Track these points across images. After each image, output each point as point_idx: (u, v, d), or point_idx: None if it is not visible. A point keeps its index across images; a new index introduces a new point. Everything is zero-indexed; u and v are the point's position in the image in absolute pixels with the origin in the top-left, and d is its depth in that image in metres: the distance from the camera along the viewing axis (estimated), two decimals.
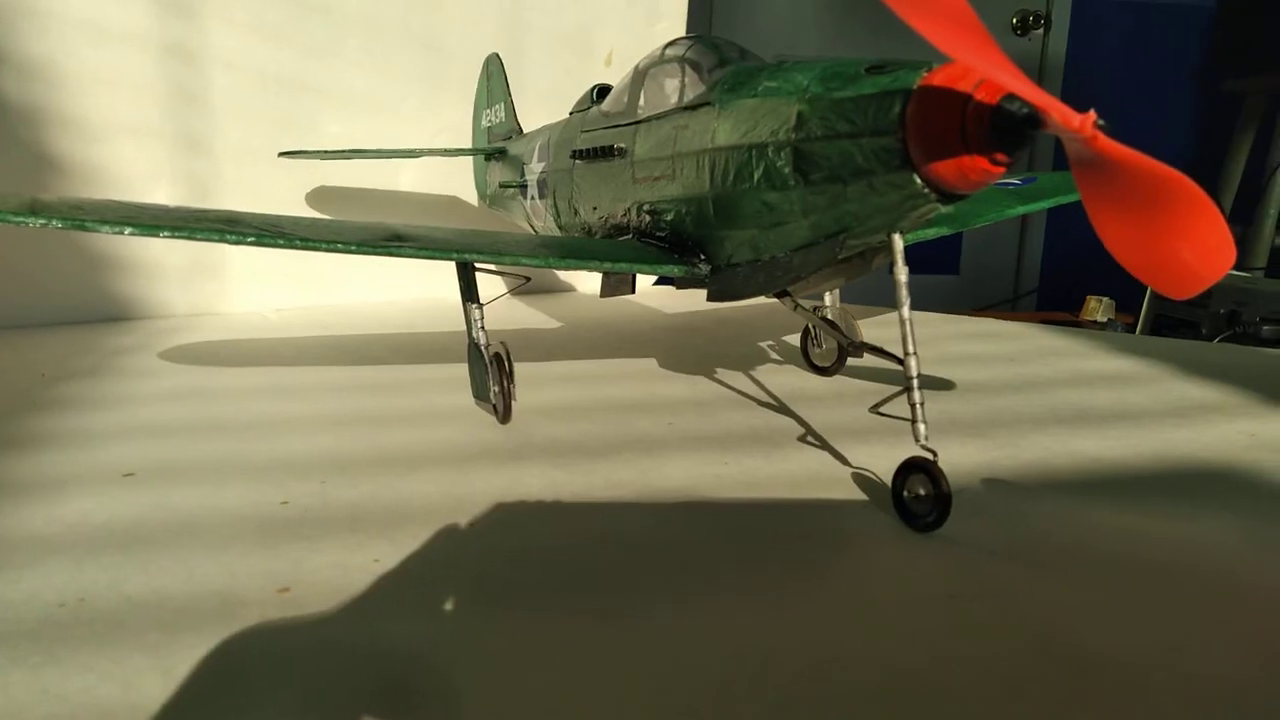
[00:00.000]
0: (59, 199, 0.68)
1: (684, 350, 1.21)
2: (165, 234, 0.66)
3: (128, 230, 0.65)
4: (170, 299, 1.42)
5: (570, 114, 1.11)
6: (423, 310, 1.53)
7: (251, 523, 0.66)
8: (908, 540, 0.63)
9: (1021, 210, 1.04)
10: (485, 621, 0.53)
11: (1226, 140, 2.62)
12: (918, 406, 0.64)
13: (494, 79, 1.48)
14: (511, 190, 1.24)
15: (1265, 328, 1.71)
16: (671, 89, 0.86)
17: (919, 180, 0.59)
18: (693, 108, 0.80)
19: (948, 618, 0.53)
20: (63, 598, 0.55)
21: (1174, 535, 0.64)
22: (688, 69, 0.84)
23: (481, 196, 1.50)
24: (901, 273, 0.66)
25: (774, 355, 1.17)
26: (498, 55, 1.48)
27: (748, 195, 0.72)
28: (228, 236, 0.67)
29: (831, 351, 1.03)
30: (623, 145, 0.91)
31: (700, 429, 0.88)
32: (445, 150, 1.48)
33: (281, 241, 0.69)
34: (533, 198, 1.18)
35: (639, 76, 0.91)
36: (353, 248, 0.71)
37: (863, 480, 0.74)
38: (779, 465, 0.78)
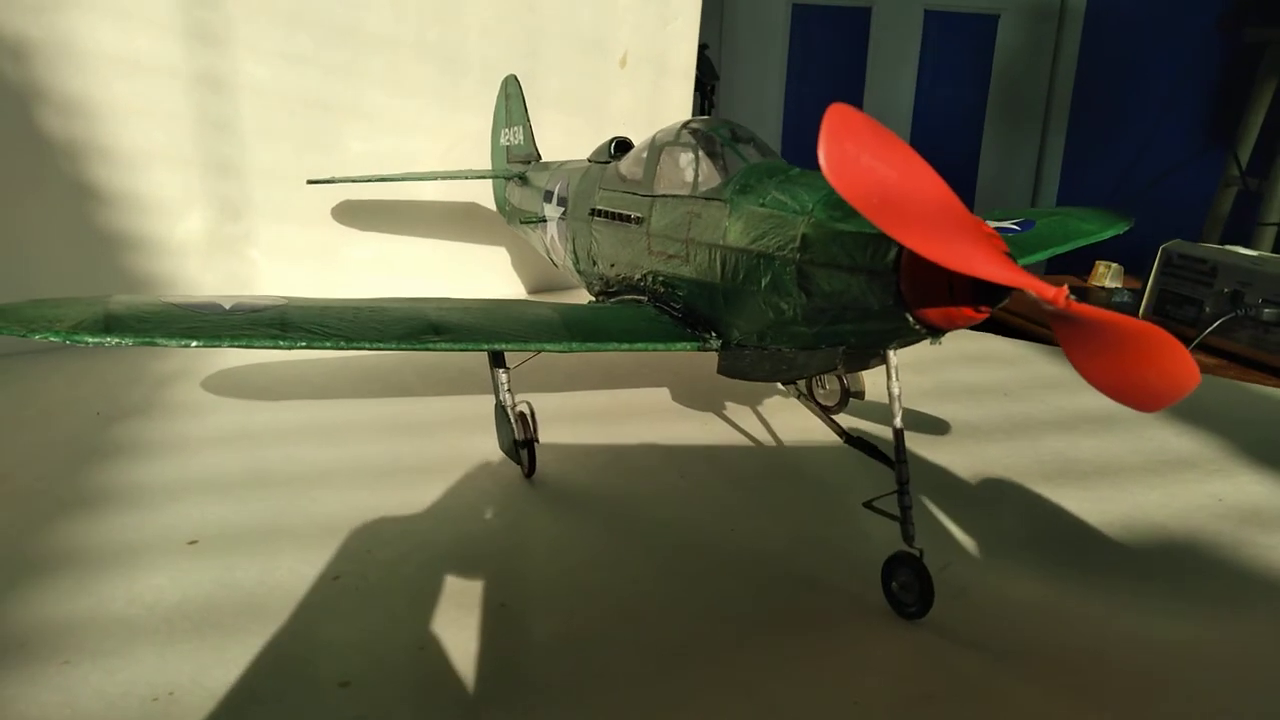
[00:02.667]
0: (129, 308, 0.75)
1: (696, 378, 1.28)
2: (227, 344, 0.73)
3: (194, 344, 0.72)
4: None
5: (589, 161, 1.16)
6: None
7: (309, 605, 0.74)
8: (894, 629, 0.71)
9: (1018, 262, 1.09)
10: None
11: (1247, 91, 2.60)
12: (908, 510, 0.71)
13: (512, 100, 1.52)
14: (531, 223, 1.29)
15: (1266, 310, 1.74)
16: (686, 173, 0.91)
17: (911, 319, 0.65)
18: (706, 198, 0.85)
19: None
20: (155, 691, 0.63)
21: (1126, 630, 0.72)
22: (702, 157, 0.89)
23: (500, 210, 1.56)
24: (895, 386, 0.72)
25: (779, 388, 1.24)
26: (515, 78, 1.52)
27: (756, 296, 0.78)
28: (280, 343, 0.74)
29: (835, 393, 1.10)
30: (639, 215, 0.96)
31: (711, 479, 0.95)
32: (466, 174, 1.52)
33: (329, 344, 0.75)
34: (552, 237, 1.24)
35: (655, 152, 0.96)
36: (393, 345, 0.77)
37: (860, 546, 0.81)
38: (783, 524, 0.86)
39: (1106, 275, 2.33)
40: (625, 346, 0.86)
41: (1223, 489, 0.93)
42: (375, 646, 0.69)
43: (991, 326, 1.38)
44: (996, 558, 0.81)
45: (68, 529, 0.85)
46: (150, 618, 0.72)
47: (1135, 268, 2.25)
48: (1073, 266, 3.03)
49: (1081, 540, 0.85)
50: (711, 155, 0.89)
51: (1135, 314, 1.84)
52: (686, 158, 0.92)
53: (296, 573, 0.78)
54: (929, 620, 0.71)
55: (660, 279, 0.93)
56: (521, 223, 1.34)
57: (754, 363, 0.83)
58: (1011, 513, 0.89)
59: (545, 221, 1.26)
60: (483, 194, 1.70)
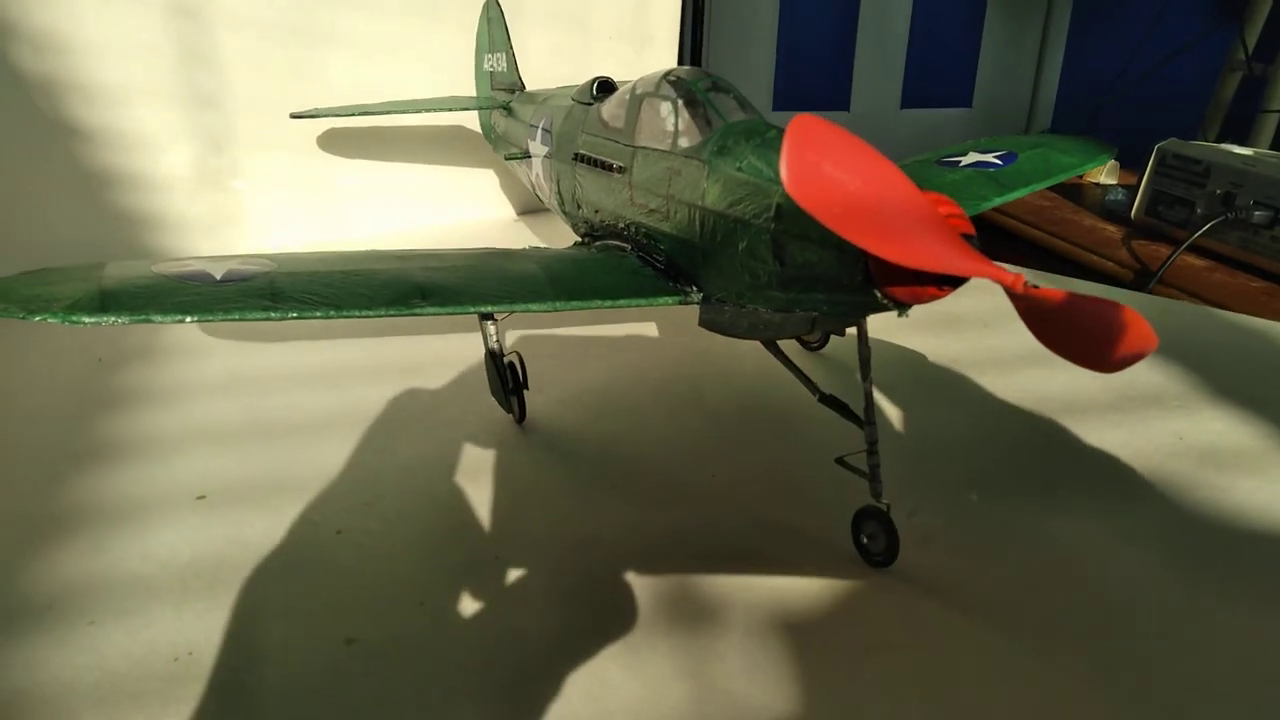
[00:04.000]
0: (122, 281, 0.76)
1: (684, 315, 1.30)
2: (220, 318, 0.75)
3: (189, 319, 0.74)
4: (198, 247, 1.50)
5: (572, 100, 1.15)
6: (429, 240, 1.62)
7: (314, 561, 0.78)
8: (861, 576, 0.76)
9: (999, 201, 1.10)
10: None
11: None
12: (876, 468, 0.75)
13: (494, 25, 1.49)
14: (517, 159, 1.29)
15: (1257, 212, 1.75)
16: (666, 126, 0.91)
17: (878, 294, 0.67)
18: (685, 156, 0.86)
19: (874, 672, 0.66)
20: (175, 651, 0.68)
21: (1082, 574, 0.76)
22: (682, 110, 0.89)
23: (486, 137, 1.55)
24: (865, 351, 0.75)
25: None
26: (496, 1, 1.49)
27: (734, 258, 0.80)
28: (272, 314, 0.76)
29: (815, 333, 1.13)
30: (621, 165, 0.97)
31: (695, 422, 0.99)
32: (450, 104, 1.51)
33: (319, 314, 0.77)
34: (537, 174, 1.24)
35: (636, 102, 0.96)
36: (381, 311, 0.80)
37: (834, 494, 0.86)
38: (761, 472, 0.90)
39: (1103, 171, 2.26)
40: (609, 304, 0.88)
41: (1184, 427, 0.97)
42: (378, 603, 0.74)
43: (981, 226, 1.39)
44: (963, 503, 0.86)
45: (80, 484, 0.89)
46: (165, 575, 0.77)
47: (1133, 160, 2.21)
48: None
49: (1047, 484, 0.89)
50: (692, 109, 0.89)
51: (1128, 213, 1.84)
52: (666, 109, 0.92)
53: (301, 528, 0.83)
54: (895, 569, 0.76)
55: (643, 231, 0.94)
56: (507, 158, 1.33)
57: (733, 319, 0.85)
58: (982, 455, 0.93)
59: (530, 158, 1.26)
60: (468, 118, 1.68)
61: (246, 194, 1.51)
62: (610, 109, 1.03)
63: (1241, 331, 1.22)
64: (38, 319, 0.70)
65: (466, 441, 0.98)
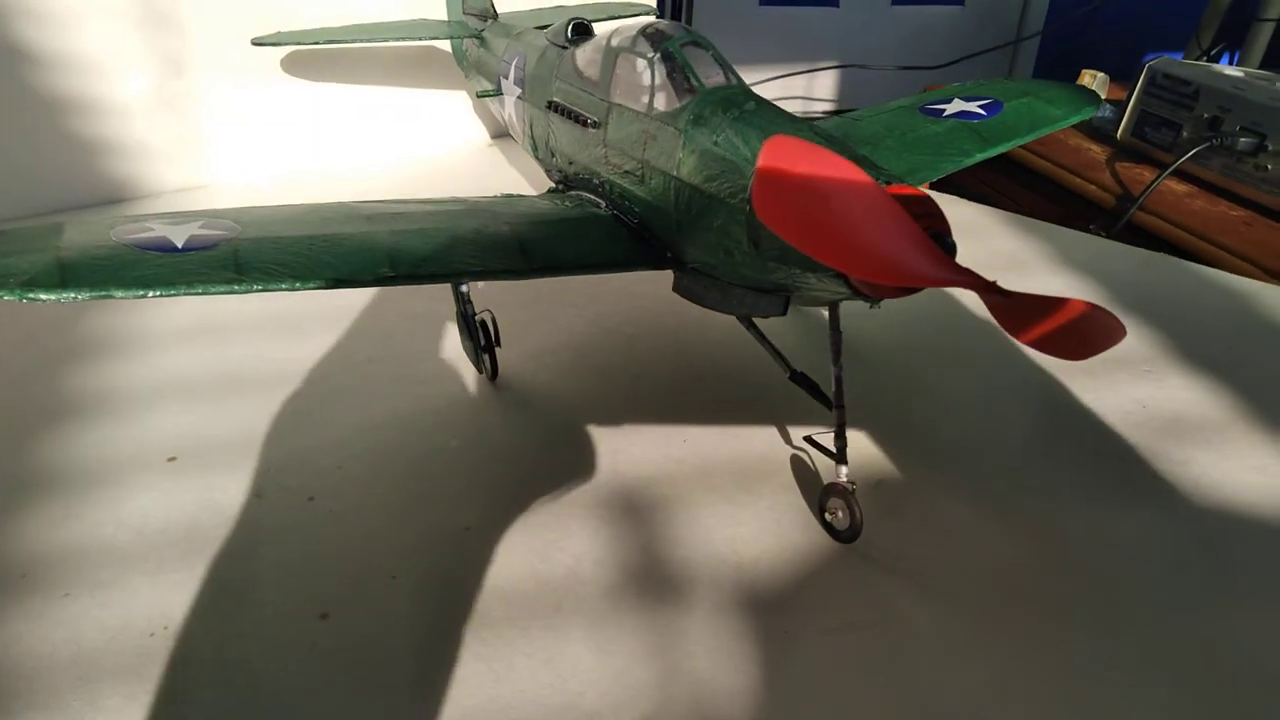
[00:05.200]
0: (81, 252, 0.74)
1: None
2: (183, 292, 0.73)
3: (151, 294, 0.72)
4: (160, 175, 1.45)
5: (547, 41, 1.11)
6: (403, 173, 1.58)
7: (287, 529, 0.79)
8: (826, 554, 0.77)
9: (981, 156, 1.08)
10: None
11: None
12: (844, 450, 0.76)
13: None
14: (489, 94, 1.25)
15: (1242, 139, 1.73)
16: (642, 83, 0.88)
17: (849, 286, 0.67)
18: (661, 121, 0.84)
19: (836, 652, 0.68)
20: (152, 625, 0.69)
21: (1040, 549, 0.79)
22: (659, 70, 0.86)
23: (458, 63, 1.50)
24: (836, 336, 0.75)
25: None
26: None
27: (709, 233, 0.79)
28: (236, 288, 0.75)
29: None
30: (595, 119, 0.94)
31: (666, 383, 1.00)
32: (420, 30, 1.44)
33: (284, 286, 0.76)
34: (510, 115, 1.20)
35: (612, 55, 0.92)
36: (347, 282, 0.78)
37: (801, 468, 0.87)
38: (731, 441, 0.91)
39: (1092, 85, 2.15)
40: (583, 271, 0.87)
41: (1150, 394, 0.99)
42: (351, 574, 0.75)
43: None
44: (928, 473, 0.87)
45: (49, 445, 0.89)
46: (139, 543, 0.77)
47: (1125, 74, 2.17)
48: (1058, 73, 2.94)
49: (1010, 454, 0.91)
50: (669, 68, 0.86)
51: (1115, 132, 1.80)
52: (642, 65, 0.89)
53: (273, 494, 0.83)
54: (858, 544, 0.78)
55: (617, 190, 0.92)
56: (480, 94, 1.29)
57: (705, 290, 0.85)
58: (947, 425, 0.95)
59: (503, 95, 1.22)
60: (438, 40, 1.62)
61: (207, 121, 1.46)
62: (586, 57, 1.00)
63: (1218, 290, 1.23)
64: None
65: (439, 399, 0.98)
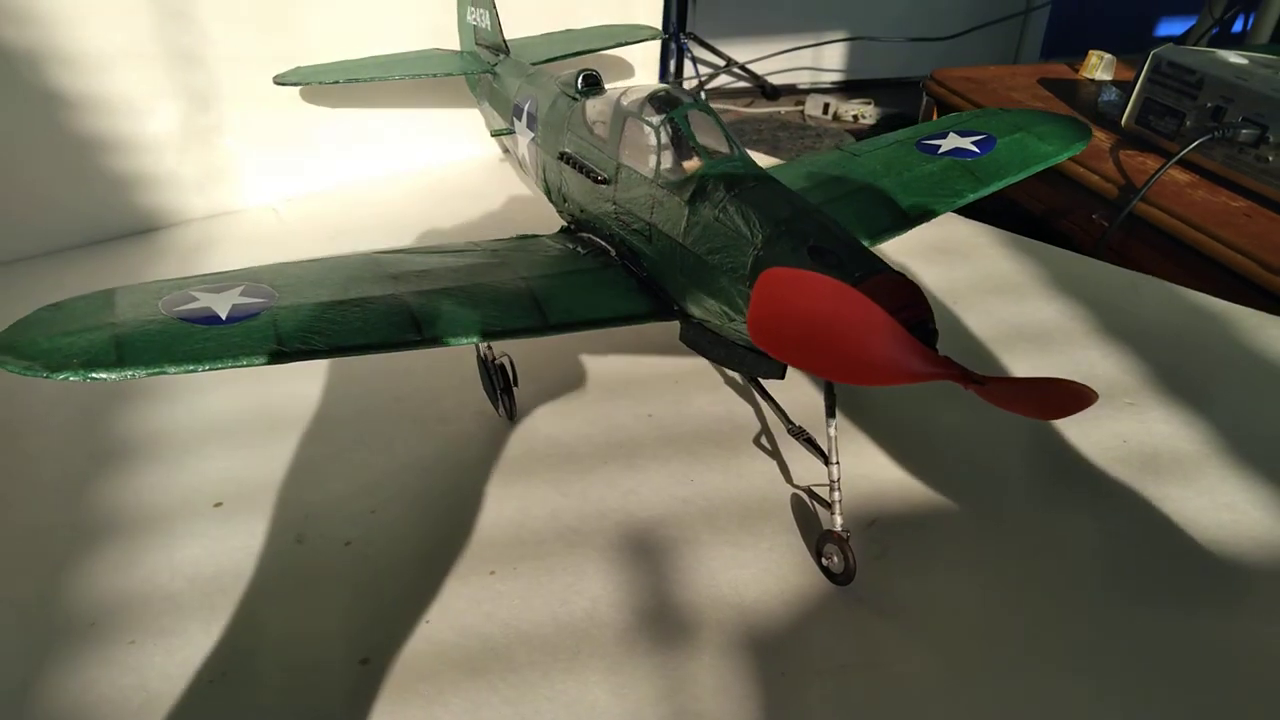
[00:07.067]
0: (134, 328, 0.80)
1: None
2: (229, 365, 0.80)
3: (202, 368, 0.79)
4: (191, 204, 1.52)
5: (559, 88, 1.16)
6: (416, 190, 1.65)
7: (327, 576, 0.86)
8: (821, 596, 0.84)
9: (973, 197, 1.13)
10: None
11: None
12: (837, 504, 0.82)
13: None
14: (502, 133, 1.31)
15: (1244, 130, 1.75)
16: (649, 150, 0.94)
17: None
18: (666, 189, 0.89)
19: (827, 694, 0.75)
20: (211, 673, 0.77)
21: (1018, 587, 0.85)
22: (665, 139, 0.91)
23: (471, 89, 1.55)
24: (830, 397, 0.81)
25: None
26: None
27: (713, 298, 0.84)
28: (277, 360, 0.81)
29: None
30: (605, 176, 1.00)
31: (679, 432, 1.06)
32: (435, 67, 1.49)
33: (323, 355, 0.82)
34: (523, 155, 1.26)
35: (620, 117, 0.97)
36: (379, 348, 0.84)
37: (799, 508, 0.93)
38: (735, 483, 0.97)
39: (1098, 66, 2.22)
40: (595, 327, 0.93)
41: (1130, 429, 1.05)
42: (387, 620, 0.82)
43: None
44: (919, 511, 0.94)
45: (103, 492, 0.96)
46: (193, 592, 0.84)
47: (1135, 47, 2.16)
48: (1062, 50, 2.93)
49: (998, 488, 0.97)
50: (675, 137, 0.91)
51: (1120, 118, 1.81)
52: (649, 131, 0.94)
53: (312, 538, 0.90)
54: (853, 586, 0.84)
55: (628, 245, 0.98)
56: (493, 133, 1.34)
57: (710, 344, 0.91)
58: (933, 464, 1.00)
59: (515, 135, 1.27)
60: (449, 44, 1.66)
61: (235, 151, 1.52)
62: (596, 112, 1.05)
63: (1204, 316, 1.27)
64: (60, 378, 0.75)
65: (461, 440, 1.04)
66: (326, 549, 0.89)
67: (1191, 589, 0.85)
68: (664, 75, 2.62)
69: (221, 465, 1.00)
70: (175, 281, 0.90)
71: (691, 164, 0.89)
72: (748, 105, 2.85)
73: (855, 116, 2.73)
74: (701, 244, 0.84)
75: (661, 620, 0.82)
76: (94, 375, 0.75)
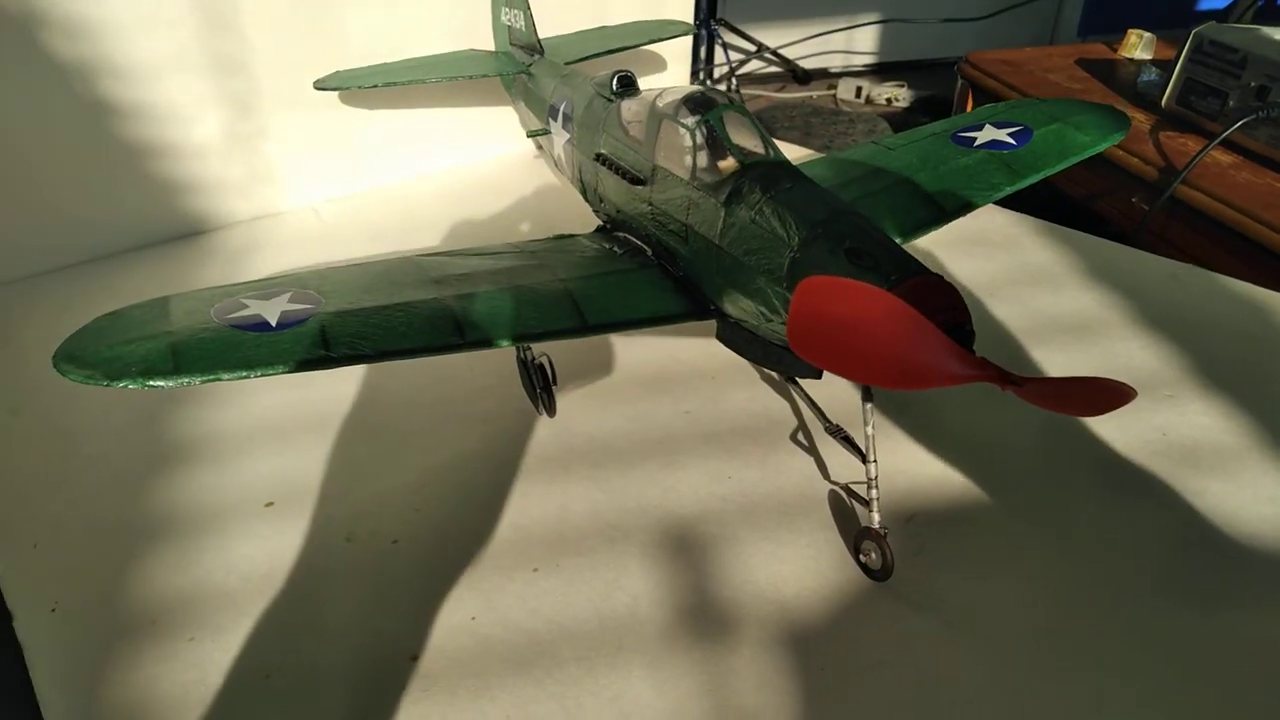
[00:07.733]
0: (189, 336, 0.83)
1: None
2: (280, 371, 0.82)
3: (254, 374, 0.81)
4: (235, 207, 1.55)
5: (594, 89, 1.17)
6: (452, 188, 1.67)
7: (376, 573, 0.89)
8: (859, 592, 0.85)
9: (1010, 190, 1.12)
10: None
11: None
12: (875, 501, 0.83)
13: None
14: (538, 134, 1.32)
15: None
16: (685, 153, 0.94)
17: None
18: (702, 191, 0.90)
19: (866, 688, 0.76)
20: (267, 668, 0.80)
21: (1055, 586, 0.85)
22: (700, 141, 0.92)
23: (506, 90, 1.56)
24: (866, 394, 0.82)
25: None
26: None
27: (749, 298, 0.85)
28: (325, 366, 0.83)
29: None
30: (641, 177, 1.01)
31: (718, 429, 1.07)
32: (471, 69, 1.51)
33: (366, 360, 0.84)
34: (559, 155, 1.27)
35: (656, 119, 0.98)
36: (423, 352, 0.86)
37: (837, 504, 0.94)
38: (773, 479, 0.99)
39: (1138, 46, 2.17)
40: (633, 328, 0.94)
41: (1170, 420, 1.04)
42: (435, 616, 0.84)
43: None
44: (956, 508, 0.94)
45: (159, 493, 0.99)
46: (248, 590, 0.87)
47: (1176, 24, 2.10)
48: (1100, 29, 2.86)
49: (1035, 484, 0.97)
50: (710, 139, 0.92)
51: (1160, 98, 1.78)
52: (684, 133, 0.95)
53: (361, 537, 0.93)
54: (892, 582, 0.85)
55: (664, 246, 0.99)
56: (530, 134, 1.36)
57: (747, 344, 0.92)
58: (970, 459, 1.00)
59: (551, 136, 1.29)
60: (483, 42, 1.67)
61: (277, 156, 1.55)
62: (631, 113, 1.06)
63: (1246, 306, 1.26)
64: (120, 385, 0.78)
65: (502, 438, 1.06)
66: (375, 547, 0.92)
67: (1234, 586, 0.85)
68: (695, 62, 2.62)
69: (271, 466, 1.03)
70: (226, 289, 0.92)
71: (727, 165, 0.90)
72: (779, 90, 2.84)
73: (889, 99, 2.72)
74: (738, 245, 0.85)
75: (702, 616, 0.84)
76: (152, 383, 0.78)
